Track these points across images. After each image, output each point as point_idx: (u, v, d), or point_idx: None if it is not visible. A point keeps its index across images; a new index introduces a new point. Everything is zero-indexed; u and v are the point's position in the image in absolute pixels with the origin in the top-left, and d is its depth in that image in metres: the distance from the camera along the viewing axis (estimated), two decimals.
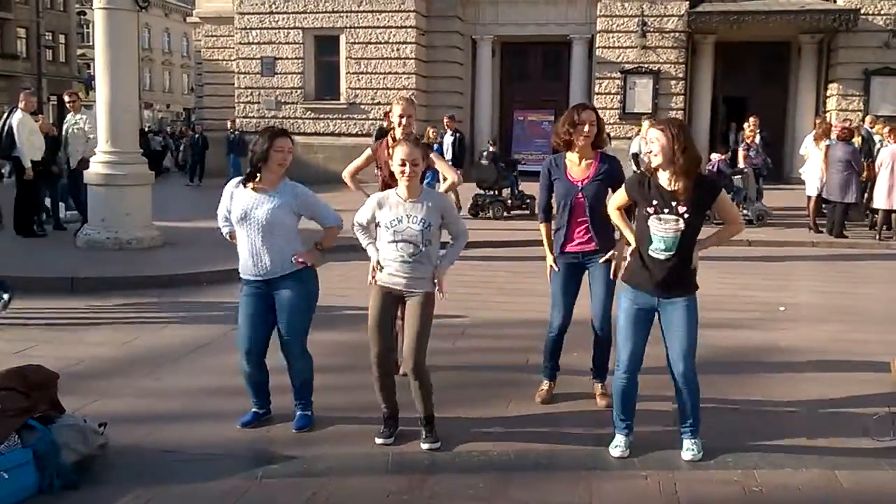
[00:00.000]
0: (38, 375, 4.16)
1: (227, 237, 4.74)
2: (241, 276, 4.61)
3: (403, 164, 4.31)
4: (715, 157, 14.44)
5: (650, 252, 4.12)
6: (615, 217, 4.51)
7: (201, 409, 4.99)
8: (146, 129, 32.45)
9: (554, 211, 5.09)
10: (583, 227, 4.91)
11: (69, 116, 12.07)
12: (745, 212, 14.04)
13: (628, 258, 4.34)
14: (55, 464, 3.82)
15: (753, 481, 4.00)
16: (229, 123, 22.94)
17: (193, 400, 5.16)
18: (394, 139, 5.54)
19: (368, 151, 5.91)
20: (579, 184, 4.87)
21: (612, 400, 4.48)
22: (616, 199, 4.51)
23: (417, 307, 4.39)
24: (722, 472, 4.12)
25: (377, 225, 4.46)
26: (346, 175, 5.95)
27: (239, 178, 4.61)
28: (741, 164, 14.75)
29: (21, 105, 11.44)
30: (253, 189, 4.49)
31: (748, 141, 14.83)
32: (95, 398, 5.05)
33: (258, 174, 4.47)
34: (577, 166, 4.91)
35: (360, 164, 5.94)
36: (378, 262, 4.44)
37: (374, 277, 4.46)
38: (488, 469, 4.16)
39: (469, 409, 4.97)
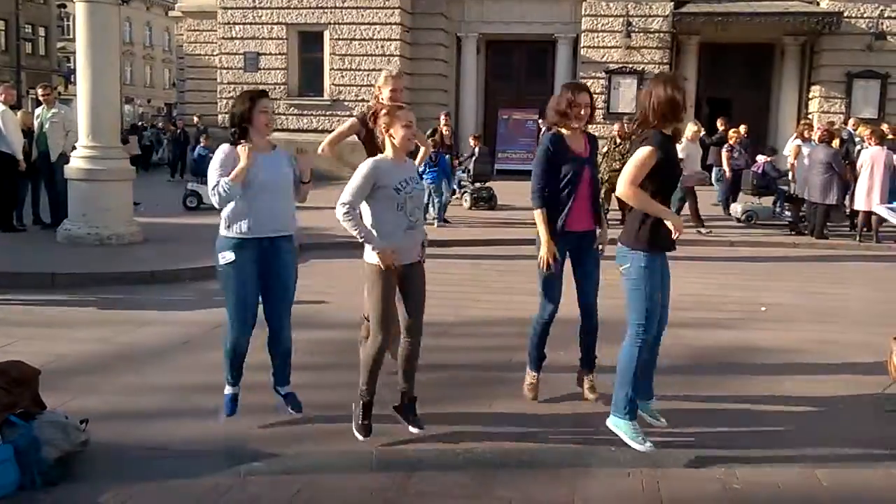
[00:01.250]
0: (19, 371, 4.13)
1: (224, 190, 4.31)
2: (243, 237, 4.36)
3: (410, 126, 4.29)
4: (761, 158, 14.64)
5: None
6: (643, 197, 4.15)
7: (183, 405, 4.97)
8: (139, 125, 32.42)
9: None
10: (585, 203, 4.88)
11: (39, 110, 11.84)
12: (787, 213, 14.03)
13: (641, 225, 4.21)
14: (36, 460, 3.79)
15: (734, 479, 4.04)
16: (195, 118, 22.95)
17: (175, 397, 5.13)
18: (375, 114, 5.30)
19: (353, 120, 5.54)
20: (585, 157, 4.87)
21: (614, 384, 4.37)
22: (641, 174, 4.16)
23: (420, 274, 4.42)
24: (704, 469, 4.15)
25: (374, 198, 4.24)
26: (325, 144, 5.58)
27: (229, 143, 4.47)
28: (724, 165, 14.87)
29: (1, 98, 11.31)
30: (258, 152, 4.39)
31: (731, 142, 14.94)
32: (77, 394, 5.01)
33: (244, 136, 4.41)
34: (575, 143, 4.88)
35: (342, 130, 5.53)
36: (389, 249, 4.22)
37: (394, 262, 4.24)
38: (472, 466, 4.17)
39: (454, 407, 4.97)
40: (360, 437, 4.40)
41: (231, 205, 4.37)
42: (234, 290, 4.42)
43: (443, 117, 15.37)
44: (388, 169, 4.27)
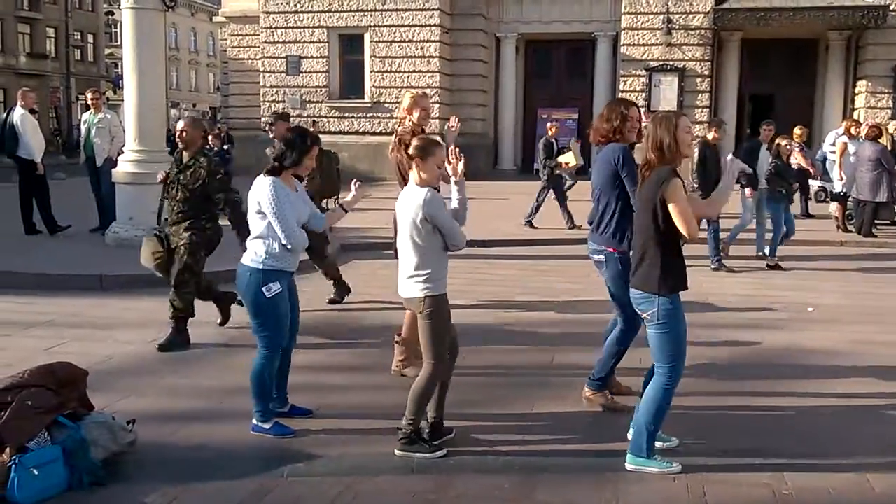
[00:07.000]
0: (67, 372, 4.20)
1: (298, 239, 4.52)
2: (284, 269, 4.49)
3: (442, 165, 4.28)
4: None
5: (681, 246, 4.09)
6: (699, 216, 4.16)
7: (228, 407, 5.01)
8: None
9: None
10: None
11: (87, 115, 12.08)
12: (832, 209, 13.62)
13: (661, 271, 4.03)
14: (84, 460, 3.85)
15: (783, 484, 3.95)
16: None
17: (220, 398, 5.19)
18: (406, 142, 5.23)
19: None
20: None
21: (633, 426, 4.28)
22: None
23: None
24: (751, 474, 4.07)
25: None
26: None
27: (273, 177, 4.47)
28: (802, 163, 14.63)
29: (21, 102, 11.55)
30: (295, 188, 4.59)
31: (799, 141, 14.80)
32: (124, 395, 5.09)
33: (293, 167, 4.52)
34: None
35: None
36: None
37: None
38: (514, 470, 4.14)
39: (495, 410, 4.95)
40: (442, 452, 4.29)
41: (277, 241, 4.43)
42: (282, 316, 4.54)
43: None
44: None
